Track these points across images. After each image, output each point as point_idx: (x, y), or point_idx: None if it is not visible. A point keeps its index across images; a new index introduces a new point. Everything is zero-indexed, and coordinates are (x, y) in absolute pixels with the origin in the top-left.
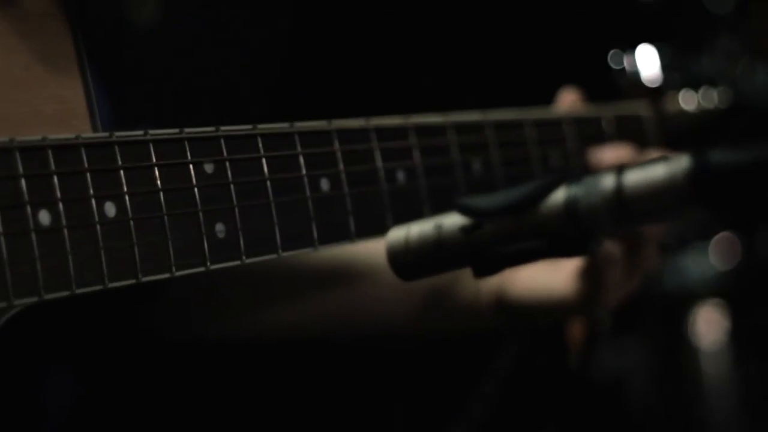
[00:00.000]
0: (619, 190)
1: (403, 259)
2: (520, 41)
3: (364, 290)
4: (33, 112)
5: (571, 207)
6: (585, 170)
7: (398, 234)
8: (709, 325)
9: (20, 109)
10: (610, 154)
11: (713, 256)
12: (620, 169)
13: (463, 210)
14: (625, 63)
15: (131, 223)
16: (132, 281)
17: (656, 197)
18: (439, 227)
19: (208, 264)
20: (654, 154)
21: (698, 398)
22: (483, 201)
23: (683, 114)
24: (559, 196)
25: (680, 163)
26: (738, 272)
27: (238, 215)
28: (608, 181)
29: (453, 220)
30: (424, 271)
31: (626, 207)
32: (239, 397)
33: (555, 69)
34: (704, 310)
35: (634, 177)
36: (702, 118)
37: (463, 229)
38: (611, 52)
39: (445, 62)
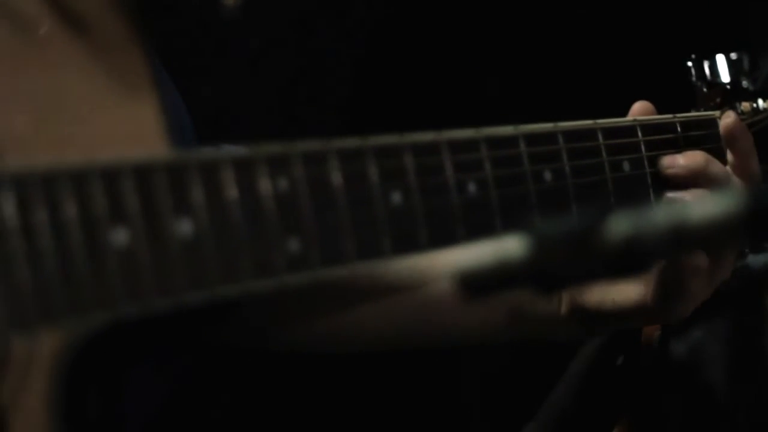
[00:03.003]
0: (678, 226)
1: (468, 282)
2: (594, 51)
3: (442, 301)
4: (108, 134)
5: (630, 240)
6: (650, 190)
7: (463, 256)
8: None
9: (96, 131)
10: (682, 161)
11: None
12: (681, 202)
13: (526, 235)
14: (705, 70)
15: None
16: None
17: (714, 234)
18: (501, 251)
19: (280, 276)
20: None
21: None
22: (545, 228)
23: (759, 122)
24: (619, 227)
25: (737, 199)
26: None
27: (314, 229)
28: (667, 215)
29: (515, 245)
30: (487, 293)
31: (684, 242)
32: (317, 401)
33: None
34: None
35: (694, 212)
36: None
37: (526, 255)
38: (689, 60)
39: (519, 73)
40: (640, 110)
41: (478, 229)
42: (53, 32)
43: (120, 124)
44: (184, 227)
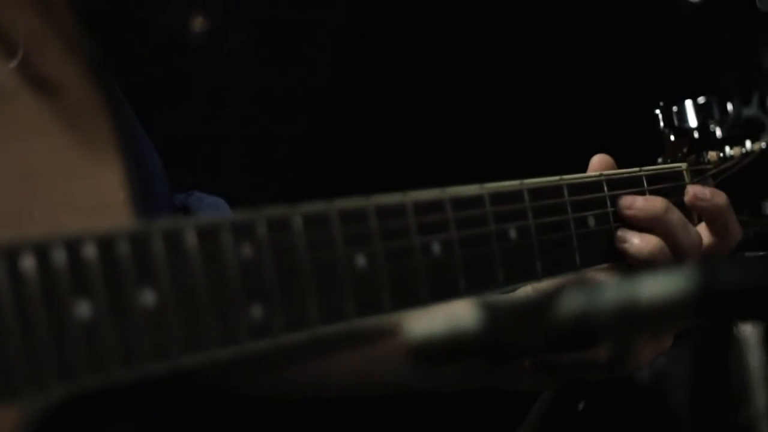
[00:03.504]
0: (629, 305)
1: (420, 350)
2: (562, 99)
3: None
4: (72, 204)
5: (580, 317)
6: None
7: (416, 327)
8: None
9: (60, 202)
10: (641, 204)
11: None
12: (631, 278)
13: (479, 306)
14: (673, 117)
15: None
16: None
17: (664, 314)
18: (454, 321)
19: (243, 344)
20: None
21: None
22: (497, 300)
23: (725, 170)
24: (571, 303)
25: (688, 279)
26: None
27: (277, 295)
28: (618, 294)
29: (468, 316)
30: (439, 361)
31: (634, 321)
32: None
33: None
34: None
35: (645, 291)
36: (743, 171)
37: (479, 326)
38: (657, 107)
39: (484, 118)
40: (599, 163)
41: (443, 290)
42: (21, 100)
43: (85, 194)
44: (148, 297)
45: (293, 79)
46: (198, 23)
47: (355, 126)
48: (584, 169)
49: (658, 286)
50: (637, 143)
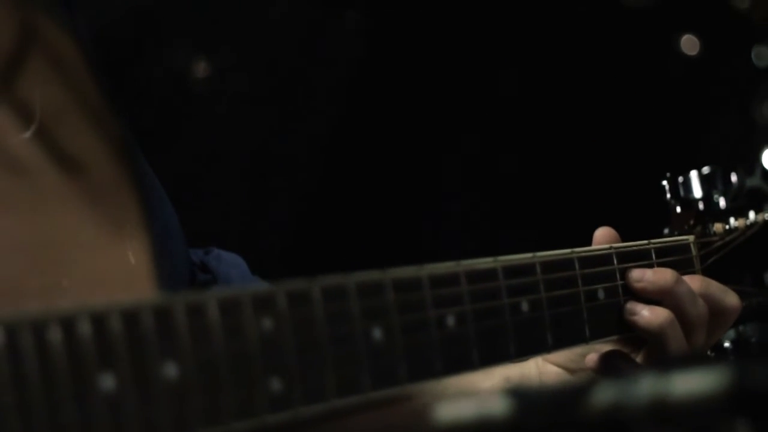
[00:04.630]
0: (661, 400)
1: None
2: (571, 171)
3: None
4: (98, 279)
5: (612, 410)
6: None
7: (446, 412)
8: None
9: (86, 277)
10: (651, 276)
11: None
12: (665, 373)
13: (509, 394)
14: (679, 188)
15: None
16: None
17: (696, 410)
18: (484, 409)
19: (262, 417)
20: (696, 278)
21: None
22: (529, 389)
23: (730, 242)
24: (603, 396)
25: (722, 376)
26: None
27: (296, 368)
28: (651, 388)
29: (498, 404)
30: None
31: (665, 416)
32: None
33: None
34: None
35: (678, 386)
36: (747, 242)
37: (508, 415)
38: (664, 178)
39: (492, 189)
40: (604, 235)
41: (456, 363)
42: (47, 175)
43: (109, 268)
44: (170, 370)
45: (294, 131)
46: (201, 68)
47: (353, 179)
48: (589, 237)
49: (691, 383)
50: (644, 214)
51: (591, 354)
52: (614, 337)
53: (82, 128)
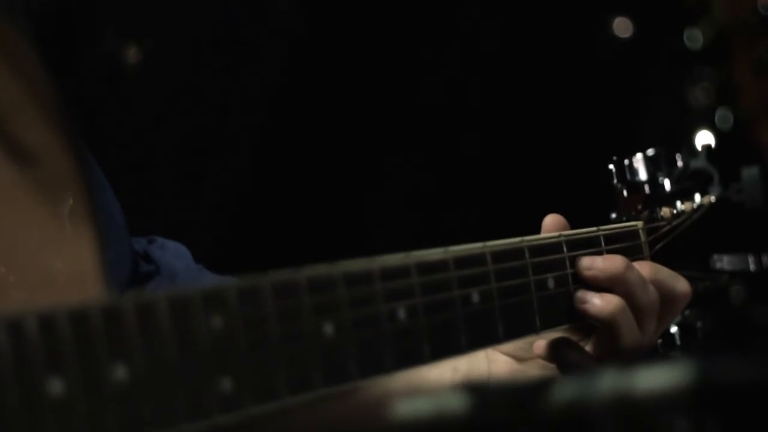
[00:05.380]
0: (623, 396)
1: (409, 429)
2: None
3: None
4: (47, 278)
5: (573, 406)
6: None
7: (404, 408)
8: None
9: (35, 276)
10: (601, 264)
11: None
12: (627, 369)
13: (468, 391)
14: (625, 171)
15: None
16: None
17: (660, 405)
18: (442, 405)
19: (213, 418)
20: (646, 265)
21: None
22: (488, 386)
23: (678, 225)
24: (564, 392)
25: (686, 372)
26: None
27: (247, 367)
28: (613, 384)
29: (456, 400)
30: None
31: (629, 412)
32: None
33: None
34: None
35: (641, 382)
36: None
37: (466, 411)
38: (611, 162)
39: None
40: (553, 223)
41: (408, 357)
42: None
43: (59, 266)
44: (120, 372)
45: (231, 109)
46: (132, 53)
47: (294, 163)
48: (535, 222)
49: (654, 379)
50: (591, 198)
51: (539, 341)
52: (565, 326)
53: (34, 121)
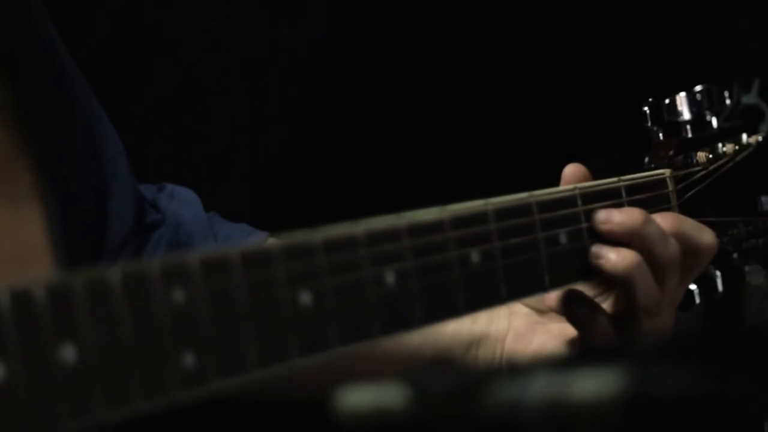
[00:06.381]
0: (557, 402)
1: (348, 425)
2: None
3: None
4: None
5: (507, 410)
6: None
7: (347, 399)
8: None
9: None
10: (618, 218)
11: None
12: (564, 371)
13: (408, 386)
14: (663, 113)
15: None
16: None
17: (593, 413)
18: (381, 399)
19: (173, 394)
20: (669, 216)
21: None
22: (427, 381)
23: (713, 171)
24: (498, 395)
25: (620, 381)
26: None
27: (210, 341)
28: (549, 389)
29: (395, 395)
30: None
31: (561, 418)
32: None
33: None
34: None
35: (576, 387)
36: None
37: (405, 407)
38: (645, 103)
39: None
40: (573, 173)
41: (396, 322)
42: None
43: (4, 245)
44: (67, 353)
45: (269, 86)
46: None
47: (330, 138)
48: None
49: (590, 384)
50: (627, 144)
51: (551, 293)
52: (578, 284)
53: None
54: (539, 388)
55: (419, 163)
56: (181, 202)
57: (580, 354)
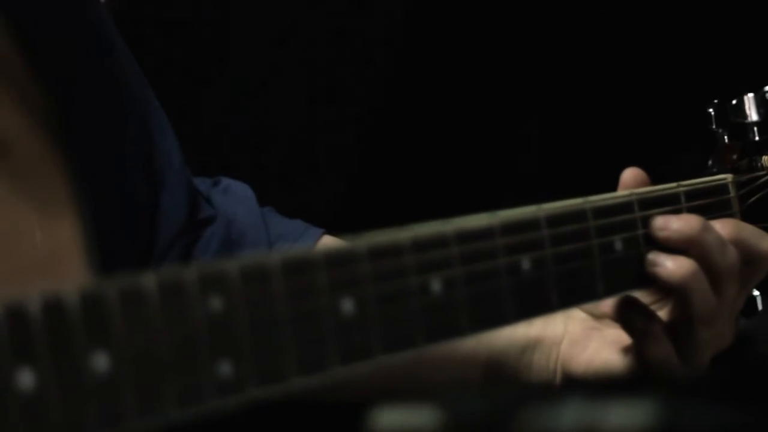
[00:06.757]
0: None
1: None
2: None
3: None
4: (24, 263)
5: None
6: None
7: (380, 420)
8: None
9: (12, 261)
10: (676, 225)
11: None
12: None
13: (439, 409)
14: (728, 114)
15: None
16: None
17: None
18: (411, 421)
19: (208, 403)
20: (729, 223)
21: None
22: (459, 405)
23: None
24: (529, 423)
25: (653, 415)
26: None
27: (249, 350)
28: (579, 418)
29: (427, 418)
30: None
31: None
32: None
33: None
34: None
35: (609, 418)
36: None
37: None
38: (711, 105)
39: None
40: (631, 178)
41: (441, 330)
42: None
43: (37, 252)
44: (99, 362)
45: (346, 76)
46: None
47: (409, 131)
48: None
49: (622, 416)
50: (691, 147)
51: (607, 300)
52: (633, 291)
53: (3, 106)
54: (572, 417)
55: (494, 166)
56: (236, 197)
57: (615, 384)
